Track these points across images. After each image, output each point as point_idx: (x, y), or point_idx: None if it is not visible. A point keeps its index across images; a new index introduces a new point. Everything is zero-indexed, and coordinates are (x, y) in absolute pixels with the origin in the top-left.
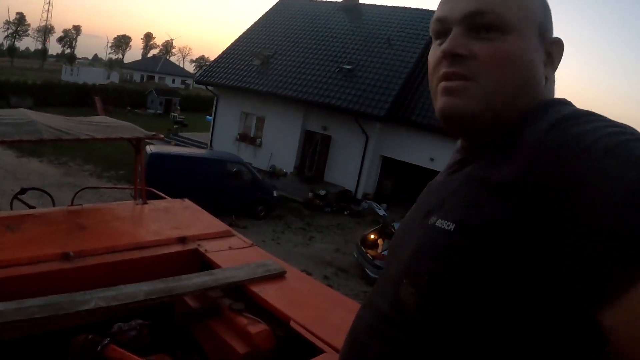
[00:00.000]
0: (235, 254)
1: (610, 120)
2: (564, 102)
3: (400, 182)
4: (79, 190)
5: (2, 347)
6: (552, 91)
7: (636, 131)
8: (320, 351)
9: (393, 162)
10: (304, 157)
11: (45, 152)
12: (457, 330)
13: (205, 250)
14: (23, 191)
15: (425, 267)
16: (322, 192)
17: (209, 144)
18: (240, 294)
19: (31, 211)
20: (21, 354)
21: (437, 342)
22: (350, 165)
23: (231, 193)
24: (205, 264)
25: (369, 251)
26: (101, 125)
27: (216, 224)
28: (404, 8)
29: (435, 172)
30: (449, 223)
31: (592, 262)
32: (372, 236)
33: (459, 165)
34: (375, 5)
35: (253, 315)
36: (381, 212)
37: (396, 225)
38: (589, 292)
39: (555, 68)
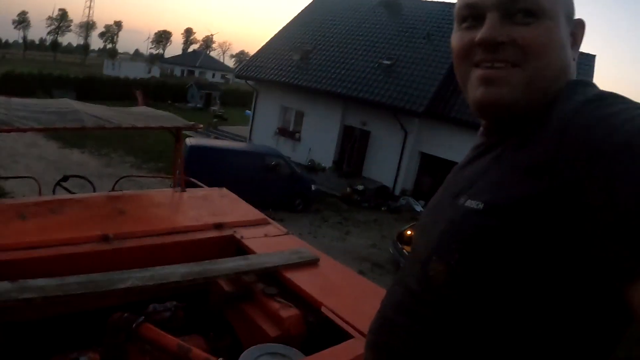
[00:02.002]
0: (271, 241)
1: (635, 102)
2: (589, 84)
3: (438, 179)
4: (119, 179)
5: (45, 324)
6: (575, 71)
7: None
8: (349, 336)
9: (432, 159)
10: (342, 152)
11: (87, 143)
12: (485, 308)
13: (241, 236)
14: (65, 178)
15: (455, 245)
16: (360, 188)
17: (248, 137)
18: (273, 279)
19: (72, 196)
20: (62, 330)
21: (465, 320)
22: (389, 160)
23: (269, 186)
24: (240, 249)
25: (405, 247)
26: (142, 115)
27: (253, 212)
28: (444, 3)
29: None
30: (479, 202)
31: (622, 237)
32: (409, 232)
33: (485, 147)
34: (414, 0)
35: (285, 300)
36: (418, 209)
37: None
38: (618, 268)
39: (579, 49)
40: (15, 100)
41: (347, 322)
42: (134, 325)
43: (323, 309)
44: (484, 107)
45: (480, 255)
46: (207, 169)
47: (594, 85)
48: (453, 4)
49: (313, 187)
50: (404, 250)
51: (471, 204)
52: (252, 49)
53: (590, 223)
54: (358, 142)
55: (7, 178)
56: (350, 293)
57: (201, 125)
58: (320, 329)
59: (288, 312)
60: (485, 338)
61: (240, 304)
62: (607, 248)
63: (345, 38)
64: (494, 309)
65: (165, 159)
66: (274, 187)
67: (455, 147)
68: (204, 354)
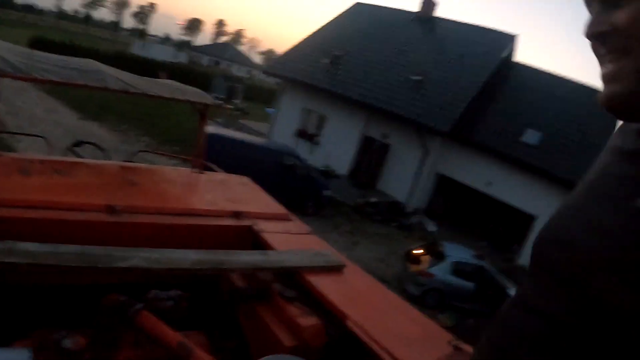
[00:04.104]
0: (292, 239)
1: None
2: None
3: (452, 201)
4: (137, 152)
5: (32, 292)
6: None
7: None
8: (375, 356)
9: (448, 181)
10: (359, 162)
11: (106, 118)
12: None
13: (261, 229)
14: (78, 143)
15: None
16: (374, 200)
17: (267, 134)
18: (292, 281)
19: (82, 160)
20: (49, 303)
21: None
22: (405, 177)
23: (284, 184)
24: (258, 243)
25: (413, 265)
26: (170, 87)
27: (274, 205)
28: (479, 27)
29: (491, 197)
30: None
31: None
32: (419, 251)
33: None
34: (450, 20)
35: (305, 306)
36: (431, 228)
37: (446, 244)
38: None
39: None
40: (38, 52)
41: (374, 340)
42: (131, 311)
43: (348, 322)
44: (608, 110)
45: None
46: (223, 158)
47: None
48: (487, 29)
49: (326, 192)
50: (412, 269)
51: None
52: (281, 48)
53: None
54: (376, 154)
55: (16, 134)
56: (377, 306)
57: (229, 106)
58: (343, 344)
59: (308, 320)
60: None
61: (254, 304)
62: None
63: (376, 49)
64: None
65: (181, 144)
66: (288, 187)
67: (475, 172)
68: (207, 356)
